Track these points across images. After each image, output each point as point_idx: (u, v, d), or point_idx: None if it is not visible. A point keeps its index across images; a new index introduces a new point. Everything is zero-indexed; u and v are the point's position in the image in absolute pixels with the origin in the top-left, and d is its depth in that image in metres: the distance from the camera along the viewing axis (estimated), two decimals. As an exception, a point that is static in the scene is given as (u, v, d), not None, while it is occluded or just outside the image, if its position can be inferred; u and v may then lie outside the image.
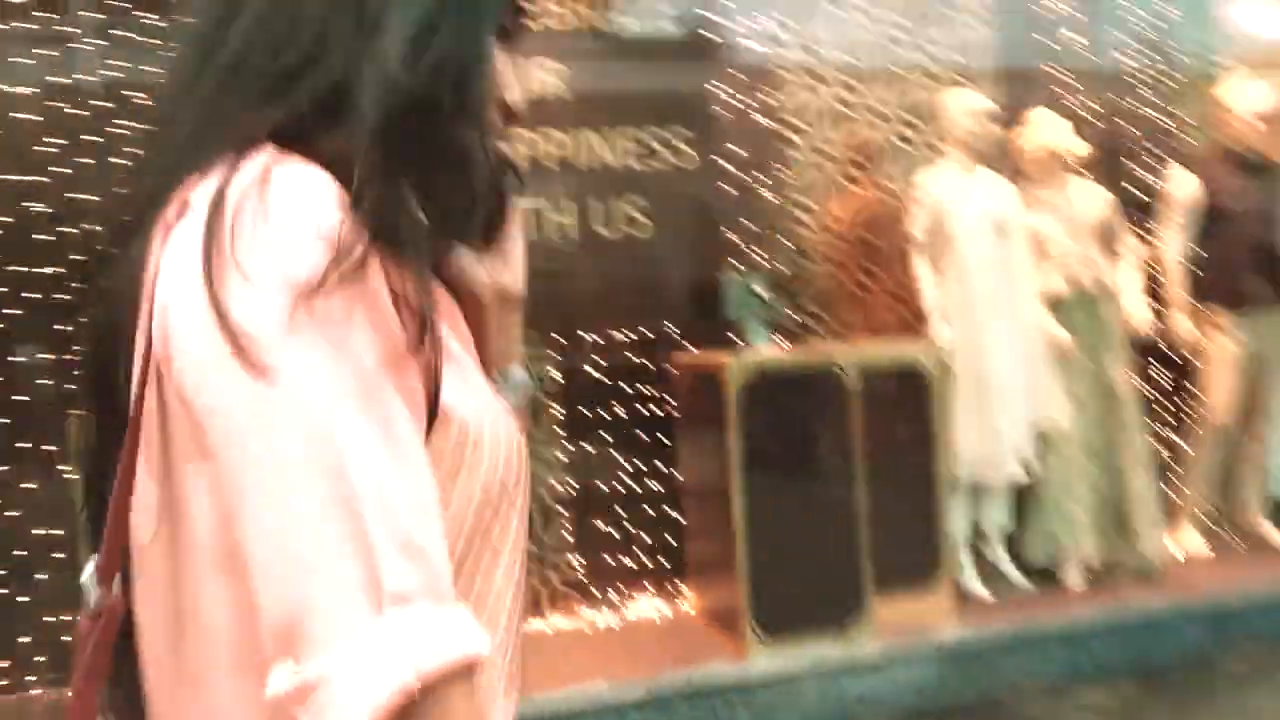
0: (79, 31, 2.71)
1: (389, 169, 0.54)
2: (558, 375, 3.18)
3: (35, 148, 2.65)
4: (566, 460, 3.18)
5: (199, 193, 0.54)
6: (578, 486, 3.19)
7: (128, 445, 0.55)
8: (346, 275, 0.50)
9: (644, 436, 3.21)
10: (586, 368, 3.19)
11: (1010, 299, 3.06)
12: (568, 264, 3.10)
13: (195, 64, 0.59)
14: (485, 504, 0.59)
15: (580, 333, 3.17)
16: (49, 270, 2.64)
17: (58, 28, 2.70)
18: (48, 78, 2.69)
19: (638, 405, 3.21)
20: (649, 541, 3.21)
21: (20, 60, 2.67)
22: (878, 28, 3.56)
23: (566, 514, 3.19)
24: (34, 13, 2.70)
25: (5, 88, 2.68)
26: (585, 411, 3.18)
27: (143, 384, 0.55)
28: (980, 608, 3.04)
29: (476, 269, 0.70)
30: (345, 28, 0.57)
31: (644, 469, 3.22)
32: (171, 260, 0.53)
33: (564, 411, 3.18)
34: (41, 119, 2.68)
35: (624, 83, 3.20)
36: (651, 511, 3.20)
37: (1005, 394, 3.02)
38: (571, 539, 3.19)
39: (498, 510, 0.60)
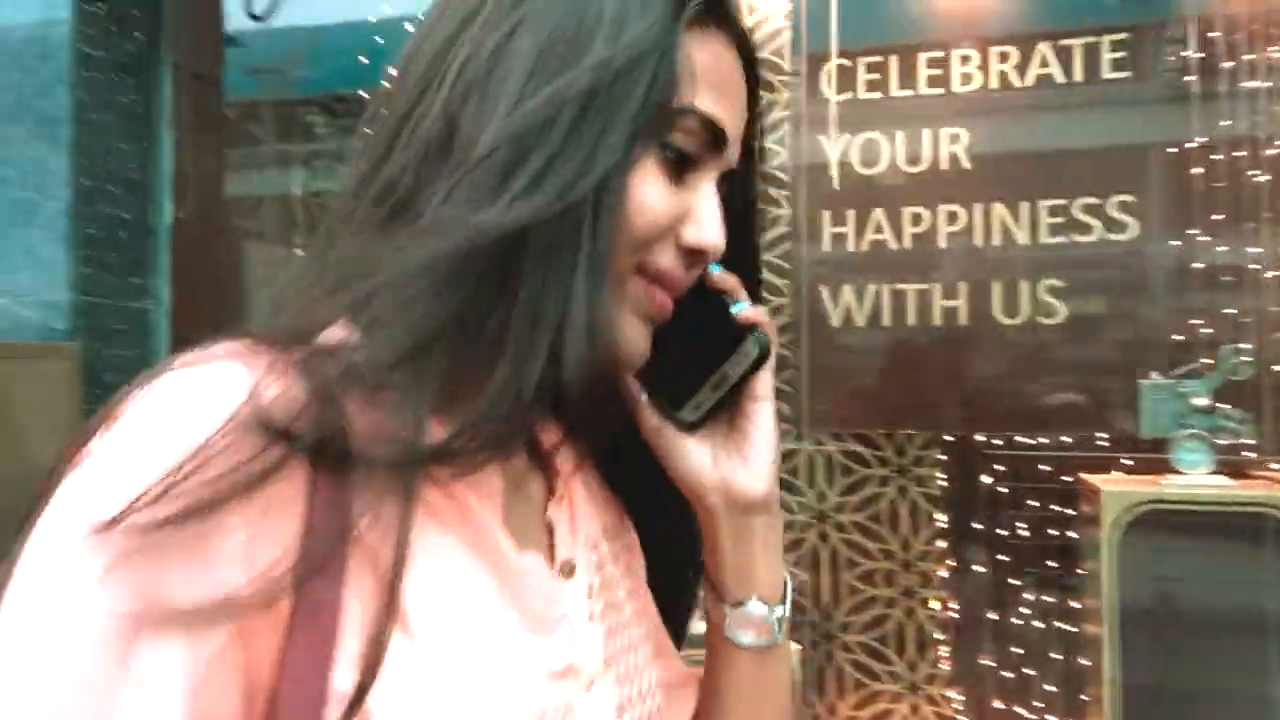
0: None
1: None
2: (943, 479, 2.81)
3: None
4: (947, 576, 2.79)
5: None
6: (960, 610, 2.78)
7: None
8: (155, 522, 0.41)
9: (1047, 561, 2.67)
10: (981, 475, 2.76)
11: None
12: (957, 355, 2.73)
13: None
14: None
15: (977, 435, 2.76)
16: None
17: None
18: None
19: (1039, 523, 2.68)
20: (1044, 684, 2.66)
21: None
22: None
23: (945, 641, 2.79)
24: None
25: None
26: (975, 524, 2.76)
27: None
28: None
29: (701, 463, 0.63)
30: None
31: (1043, 598, 2.68)
32: None
33: (949, 521, 2.79)
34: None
35: (1049, 143, 2.73)
36: (1048, 649, 2.65)
37: None
38: (950, 671, 2.78)
39: None
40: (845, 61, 2.78)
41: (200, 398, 0.44)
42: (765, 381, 0.63)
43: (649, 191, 0.53)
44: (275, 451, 0.43)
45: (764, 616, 0.64)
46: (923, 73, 2.74)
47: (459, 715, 0.49)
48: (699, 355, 0.63)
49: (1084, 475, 2.53)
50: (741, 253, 0.63)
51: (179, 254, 2.78)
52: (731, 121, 0.57)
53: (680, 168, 0.55)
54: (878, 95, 2.76)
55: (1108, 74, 2.63)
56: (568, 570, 0.60)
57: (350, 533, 0.45)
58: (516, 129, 0.50)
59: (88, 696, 0.40)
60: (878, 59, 2.76)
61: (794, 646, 2.56)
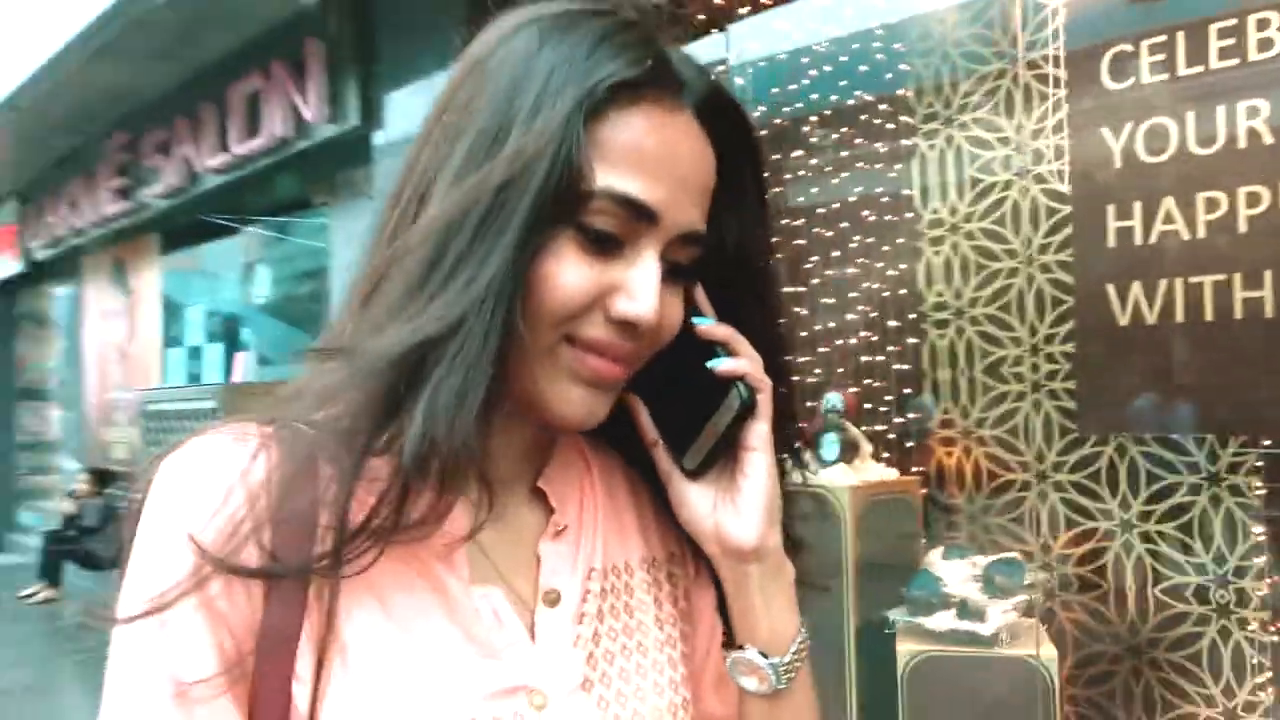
0: None
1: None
2: (1261, 487, 2.52)
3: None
4: (1266, 594, 2.50)
5: None
6: (1281, 632, 2.48)
7: None
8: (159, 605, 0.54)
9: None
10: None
11: None
12: (1260, 350, 2.44)
13: None
14: None
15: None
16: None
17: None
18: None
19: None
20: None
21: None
22: None
23: (1267, 667, 2.50)
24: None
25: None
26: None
27: None
28: None
29: (701, 510, 0.65)
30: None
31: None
32: None
33: (1268, 534, 2.50)
34: None
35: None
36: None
37: None
38: (1271, 701, 2.49)
39: None
40: (1126, 47, 2.64)
41: (161, 508, 0.57)
42: (756, 432, 0.63)
43: (563, 271, 0.56)
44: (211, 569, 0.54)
45: (759, 665, 0.65)
46: (1214, 45, 2.51)
47: None
48: (700, 405, 0.64)
49: None
50: (749, 299, 0.66)
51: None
52: (664, 193, 0.58)
53: (603, 245, 0.58)
54: (1163, 77, 2.58)
55: None
56: (551, 599, 0.64)
57: (307, 590, 0.56)
58: (436, 225, 0.56)
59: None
60: (1161, 39, 2.58)
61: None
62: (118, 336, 8.03)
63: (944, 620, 2.64)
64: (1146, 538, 2.71)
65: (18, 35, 5.76)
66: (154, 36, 4.93)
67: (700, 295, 0.66)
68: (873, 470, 3.10)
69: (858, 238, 3.40)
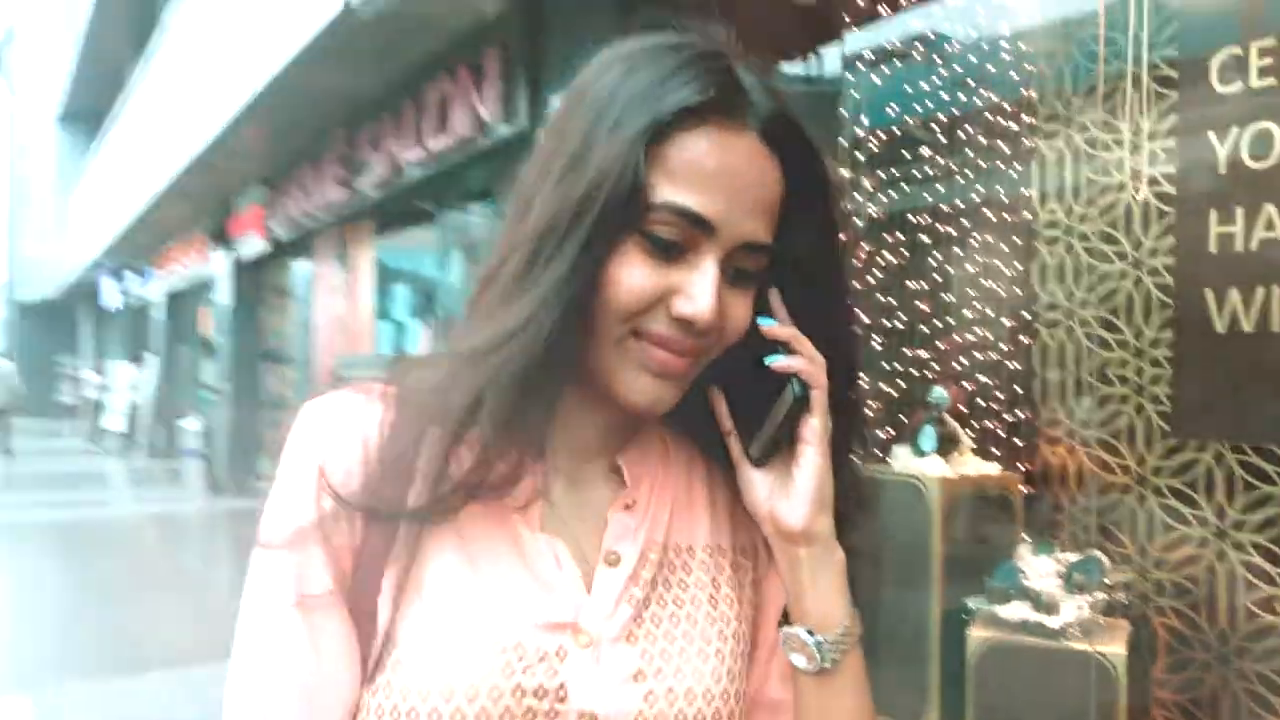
0: None
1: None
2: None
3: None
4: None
5: None
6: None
7: None
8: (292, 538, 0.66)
9: None
10: None
11: None
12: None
13: None
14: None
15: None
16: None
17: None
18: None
19: None
20: None
21: None
22: None
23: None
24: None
25: None
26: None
27: None
28: None
29: (760, 495, 0.71)
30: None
31: None
32: None
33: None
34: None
35: None
36: None
37: None
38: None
39: None
40: (1236, 50, 2.60)
41: (297, 445, 0.69)
42: (809, 426, 0.69)
43: (630, 273, 0.64)
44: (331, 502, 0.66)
45: (806, 642, 0.70)
46: (1327, 48, 2.44)
47: (451, 645, 0.65)
48: (768, 399, 0.70)
49: None
50: (816, 303, 0.71)
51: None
52: (721, 206, 0.64)
53: (667, 251, 0.65)
54: (1271, 81, 2.53)
55: None
56: (611, 560, 0.71)
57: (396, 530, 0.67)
58: (530, 233, 0.65)
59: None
60: (1270, 42, 2.53)
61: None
62: (340, 309, 8.99)
63: (1017, 610, 2.74)
64: (1239, 547, 2.68)
65: (265, 42, 6.63)
66: (367, 43, 5.55)
67: (775, 298, 0.71)
68: (970, 464, 3.19)
69: (978, 236, 3.47)
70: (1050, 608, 2.68)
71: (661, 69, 0.65)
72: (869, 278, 3.74)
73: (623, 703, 0.67)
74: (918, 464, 3.12)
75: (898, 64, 3.64)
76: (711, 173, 0.64)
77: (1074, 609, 2.66)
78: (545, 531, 0.70)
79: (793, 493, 0.68)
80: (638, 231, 0.64)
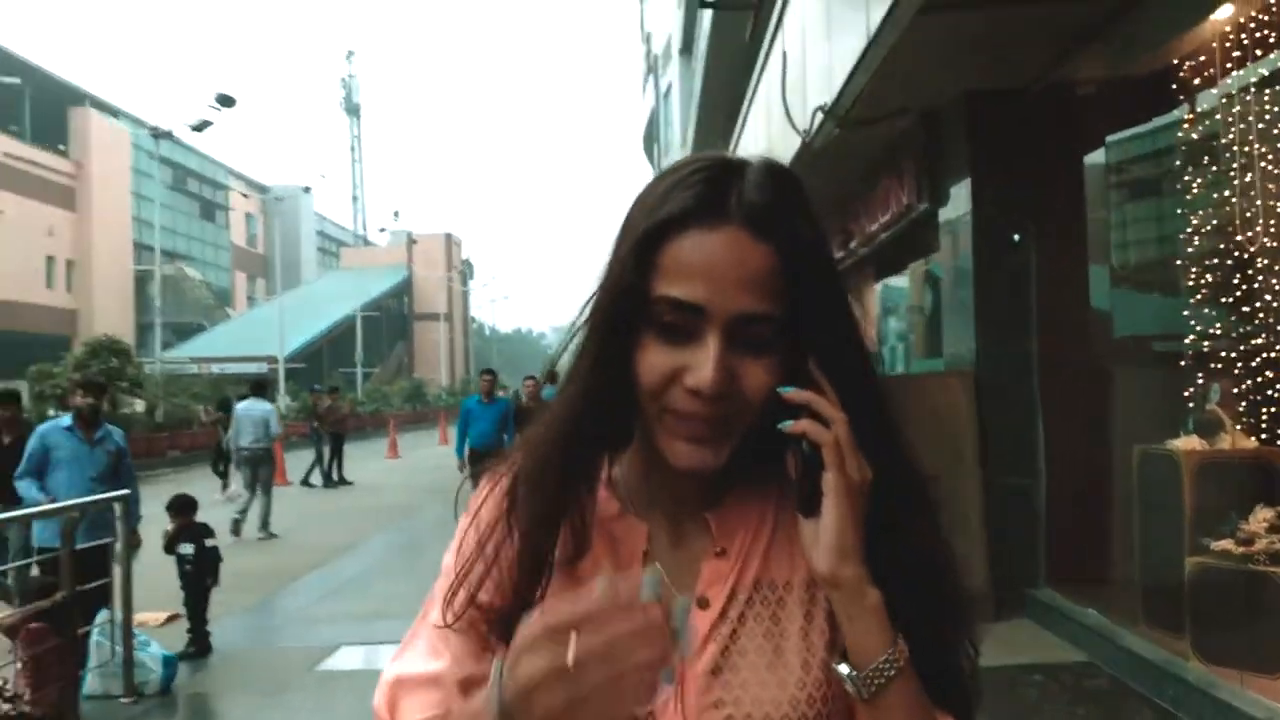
0: None
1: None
2: None
3: None
4: None
5: None
6: None
7: None
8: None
9: None
10: None
11: None
12: None
13: None
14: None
15: None
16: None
17: None
18: None
19: None
20: None
21: None
22: None
23: None
24: None
25: None
26: None
27: None
28: None
29: (804, 541, 0.76)
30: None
31: None
32: None
33: None
34: None
35: None
36: None
37: None
38: None
39: None
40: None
41: (457, 534, 0.86)
42: (826, 480, 0.74)
43: (646, 358, 0.74)
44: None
45: (843, 675, 0.75)
46: None
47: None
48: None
49: None
50: (829, 361, 0.76)
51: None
52: (705, 291, 0.72)
53: (674, 335, 0.74)
54: None
55: None
56: (702, 603, 0.80)
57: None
58: (586, 329, 0.80)
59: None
60: None
61: None
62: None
63: (1224, 544, 3.81)
64: None
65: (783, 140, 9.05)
66: (848, 153, 7.60)
67: (812, 364, 0.76)
68: (1225, 440, 4.18)
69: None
70: (1246, 542, 3.73)
71: (664, 186, 0.76)
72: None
73: None
74: (1177, 442, 4.23)
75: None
76: (694, 265, 0.72)
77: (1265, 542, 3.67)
78: (626, 567, 0.82)
79: (819, 542, 0.74)
80: (650, 324, 0.74)
